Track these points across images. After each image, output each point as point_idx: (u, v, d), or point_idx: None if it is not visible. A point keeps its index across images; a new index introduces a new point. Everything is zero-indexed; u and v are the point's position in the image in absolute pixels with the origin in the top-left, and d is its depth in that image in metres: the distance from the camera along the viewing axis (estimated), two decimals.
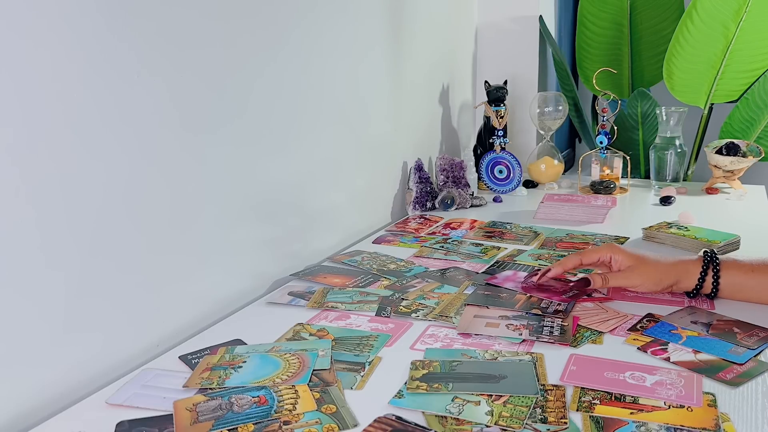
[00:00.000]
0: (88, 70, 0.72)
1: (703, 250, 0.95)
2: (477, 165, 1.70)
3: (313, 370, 0.75)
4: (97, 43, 0.73)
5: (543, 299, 0.93)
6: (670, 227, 1.26)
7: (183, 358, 0.80)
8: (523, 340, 0.82)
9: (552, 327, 0.85)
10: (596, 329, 0.85)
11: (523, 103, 1.95)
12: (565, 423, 0.63)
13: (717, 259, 0.92)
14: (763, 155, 1.64)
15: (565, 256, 1.02)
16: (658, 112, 1.72)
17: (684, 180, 1.95)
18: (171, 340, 0.87)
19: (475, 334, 0.84)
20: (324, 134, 1.21)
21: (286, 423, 0.65)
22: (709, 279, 0.91)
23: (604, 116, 1.69)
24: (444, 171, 1.59)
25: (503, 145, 1.66)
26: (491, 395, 0.68)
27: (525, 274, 1.05)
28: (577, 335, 0.83)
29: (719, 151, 1.66)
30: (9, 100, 0.64)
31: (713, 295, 0.92)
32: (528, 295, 0.96)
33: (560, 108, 1.76)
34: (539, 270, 1.00)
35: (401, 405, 0.68)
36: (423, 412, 0.66)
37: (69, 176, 0.71)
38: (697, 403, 0.66)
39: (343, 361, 0.78)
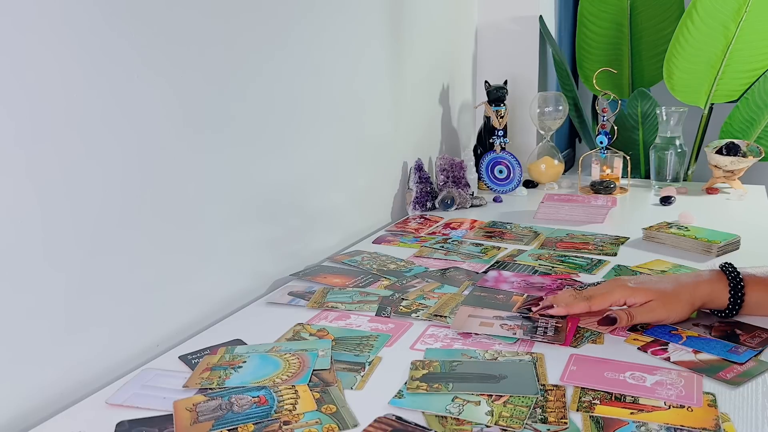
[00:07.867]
0: (90, 69, 0.72)
1: (720, 265, 0.87)
2: (477, 165, 1.70)
3: (313, 370, 0.74)
4: (98, 42, 0.73)
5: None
6: (670, 227, 1.26)
7: (183, 358, 0.80)
8: (517, 340, 0.82)
9: (546, 327, 0.85)
10: (596, 329, 0.85)
11: (523, 103, 1.95)
12: (565, 423, 0.63)
13: (739, 276, 0.85)
14: (763, 155, 1.64)
15: (565, 290, 0.89)
16: (658, 112, 1.72)
17: (684, 180, 1.95)
18: (171, 340, 0.87)
19: (473, 333, 0.84)
20: (324, 134, 1.21)
21: (286, 423, 0.65)
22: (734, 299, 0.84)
23: (604, 116, 1.68)
24: (444, 171, 1.59)
25: (503, 145, 1.66)
26: (491, 395, 0.68)
27: (509, 274, 1.06)
28: (577, 335, 0.83)
29: (719, 151, 1.66)
30: (12, 98, 0.64)
31: (735, 314, 0.85)
32: (525, 294, 0.96)
33: (560, 108, 1.76)
34: (539, 298, 0.93)
35: (401, 405, 0.67)
36: (423, 412, 0.66)
37: (69, 176, 0.71)
38: (697, 403, 0.66)
39: (343, 361, 0.78)
